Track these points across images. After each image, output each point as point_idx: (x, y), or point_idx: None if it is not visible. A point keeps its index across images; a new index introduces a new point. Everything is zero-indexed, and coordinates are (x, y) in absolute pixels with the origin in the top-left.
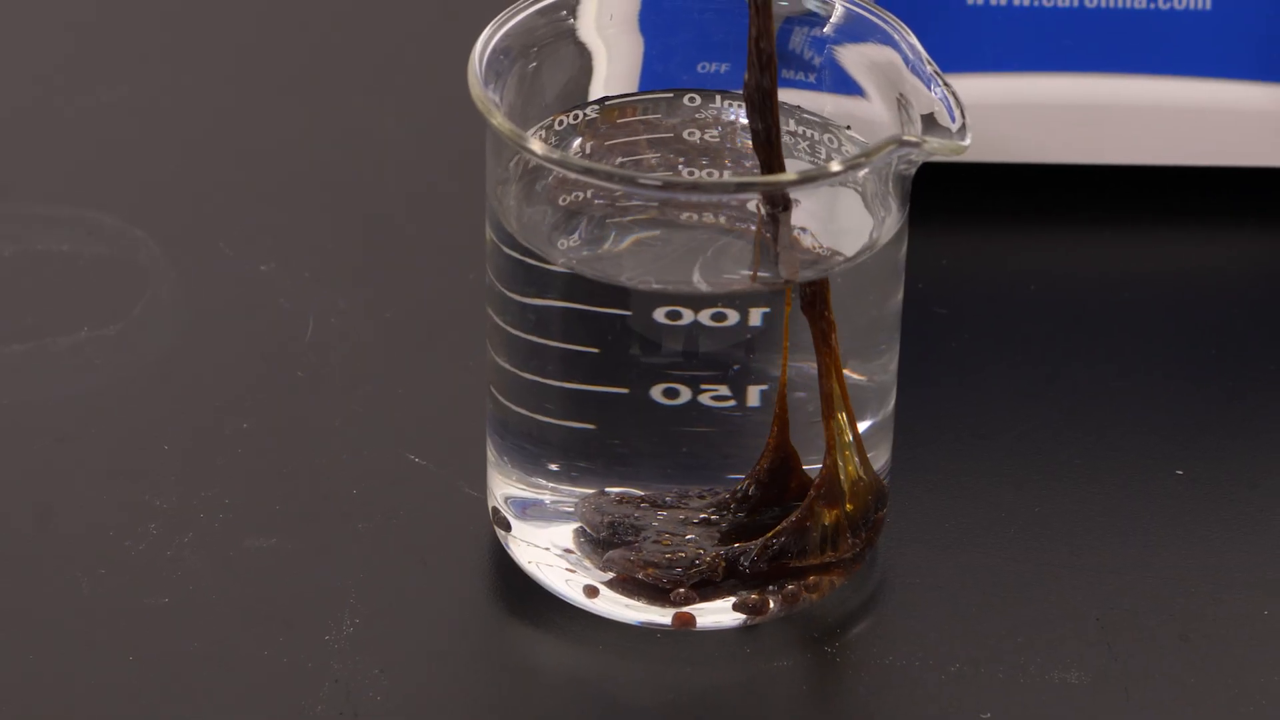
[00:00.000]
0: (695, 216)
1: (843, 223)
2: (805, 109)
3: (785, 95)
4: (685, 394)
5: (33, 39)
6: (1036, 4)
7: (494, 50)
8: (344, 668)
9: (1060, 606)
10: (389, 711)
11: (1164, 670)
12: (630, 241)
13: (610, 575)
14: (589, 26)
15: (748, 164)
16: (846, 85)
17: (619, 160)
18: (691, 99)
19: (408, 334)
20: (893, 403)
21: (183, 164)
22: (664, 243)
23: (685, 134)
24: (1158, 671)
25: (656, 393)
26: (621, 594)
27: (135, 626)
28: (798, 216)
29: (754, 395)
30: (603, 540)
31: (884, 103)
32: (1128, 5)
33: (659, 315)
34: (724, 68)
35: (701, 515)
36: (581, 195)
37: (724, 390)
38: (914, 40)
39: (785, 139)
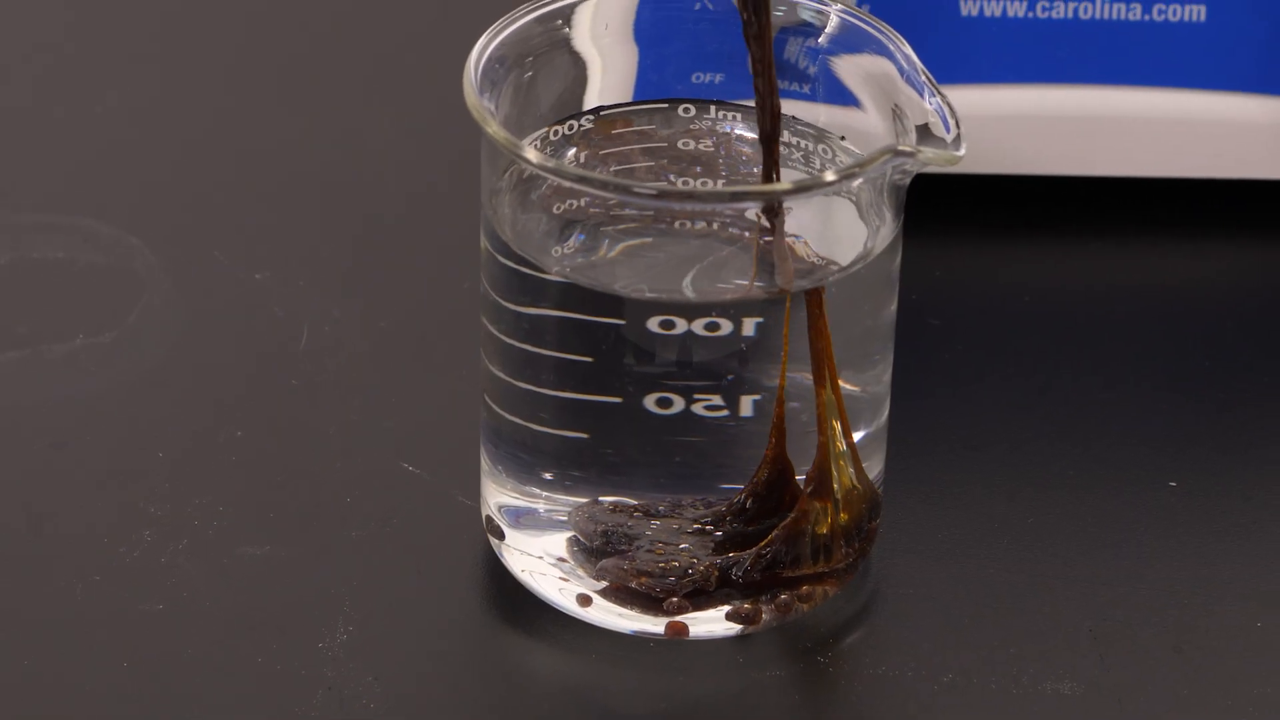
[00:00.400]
0: (689, 225)
1: (837, 232)
2: (800, 119)
3: (781, 106)
4: (678, 403)
5: (28, 45)
6: (1031, 15)
7: (489, 59)
8: (338, 675)
9: (1053, 617)
10: (382, 719)
11: (1157, 682)
12: (624, 250)
13: (603, 584)
14: (584, 36)
15: (742, 173)
16: (841, 95)
17: (613, 170)
18: (686, 109)
19: (402, 342)
20: (886, 413)
21: (178, 171)
22: (658, 252)
23: (680, 144)
24: (1150, 683)
25: (650, 402)
26: (615, 603)
27: (129, 633)
28: (792, 226)
29: (747, 405)
30: (596, 549)
31: (879, 113)
32: (1122, 17)
33: (652, 324)
34: (718, 78)
35: (695, 525)
36: (576, 204)
37: (717, 400)
38: (909, 51)
39: (780, 149)
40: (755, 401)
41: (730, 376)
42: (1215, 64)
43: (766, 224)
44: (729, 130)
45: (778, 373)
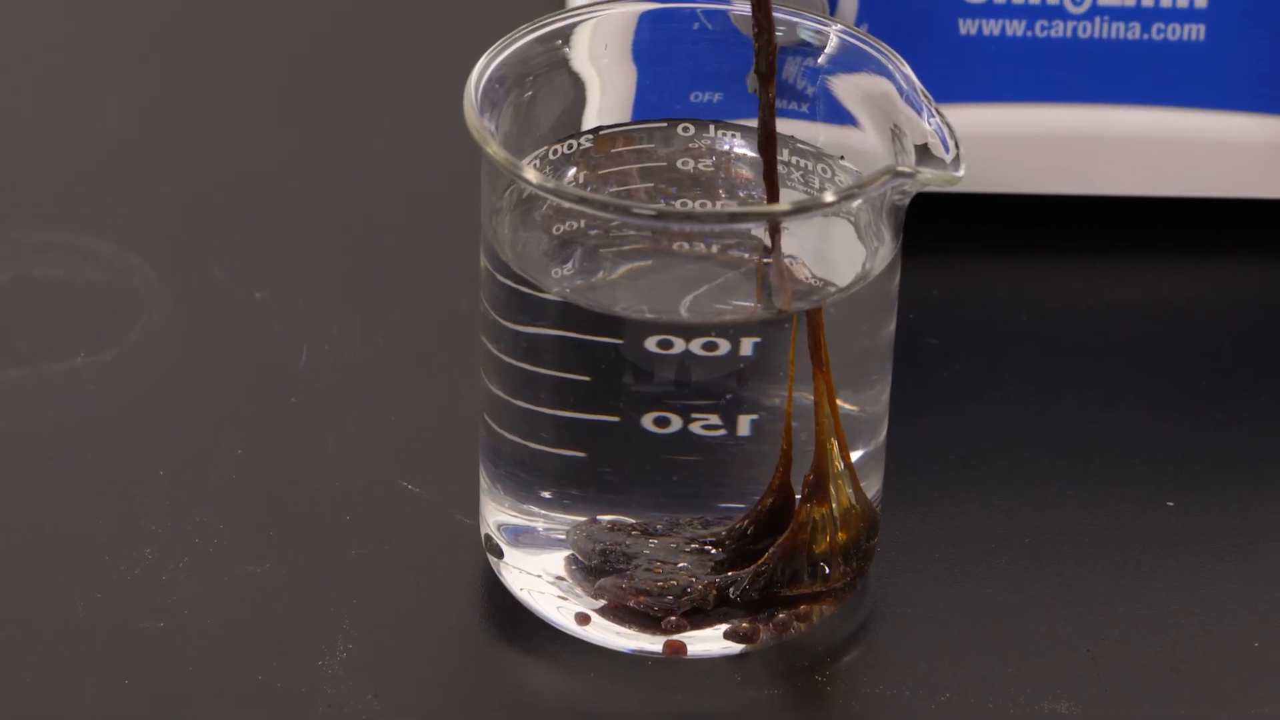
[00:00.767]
0: (688, 246)
1: (836, 253)
2: (799, 139)
3: (779, 125)
4: (676, 422)
5: (27, 62)
6: (1030, 34)
7: (490, 79)
8: (337, 693)
9: (1051, 637)
10: None
11: (1154, 701)
12: (623, 271)
13: (602, 603)
14: (583, 56)
15: (741, 194)
16: (840, 115)
17: (613, 190)
18: (685, 128)
19: (401, 360)
20: (884, 433)
21: (178, 189)
22: (657, 272)
23: (679, 163)
24: (1148, 702)
25: (647, 421)
26: (613, 621)
27: (130, 650)
28: (791, 246)
29: (745, 425)
30: (594, 568)
31: (878, 133)
32: (1121, 36)
33: (650, 344)
34: (717, 97)
35: (693, 544)
36: (575, 224)
37: (715, 419)
38: (908, 71)
39: (779, 169)
40: (753, 421)
41: (728, 396)
42: (1214, 83)
43: (766, 244)
44: (728, 149)
45: (776, 392)
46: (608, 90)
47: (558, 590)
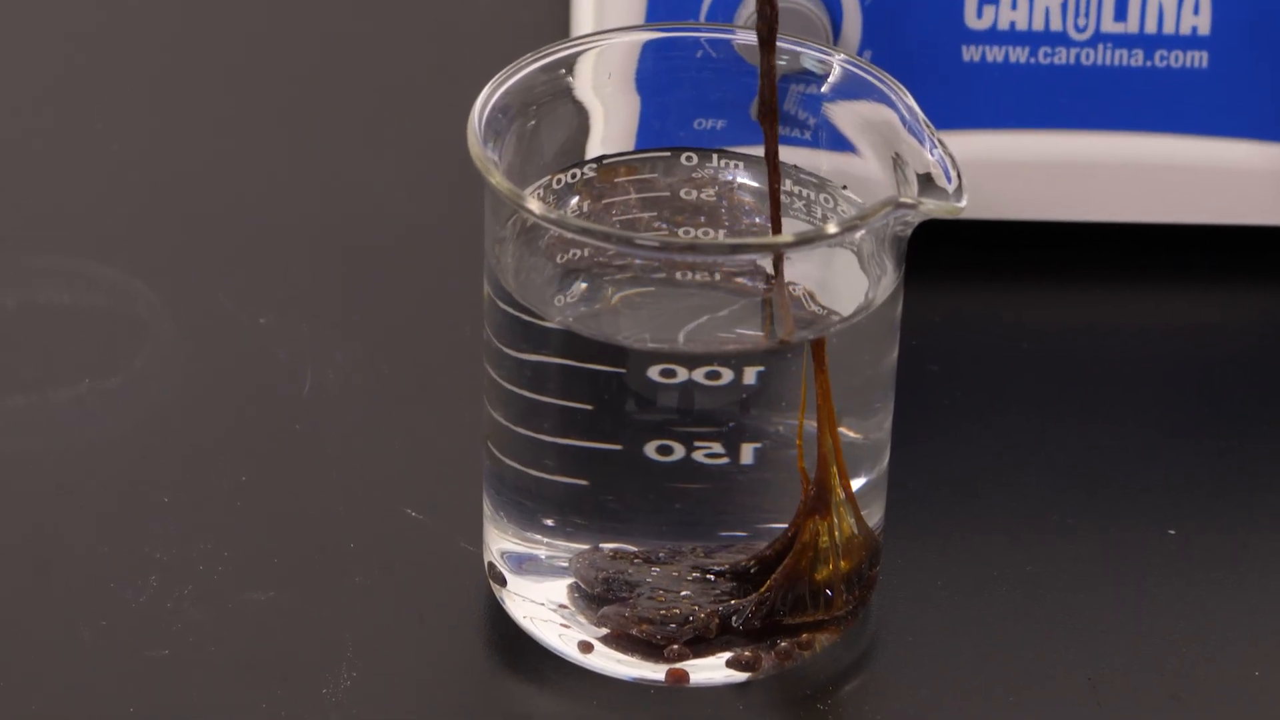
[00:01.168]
0: (691, 276)
1: (839, 283)
2: (802, 168)
3: (782, 154)
4: (679, 451)
5: (31, 91)
6: (1033, 61)
7: (493, 109)
8: None
9: (1052, 665)
10: None
11: None
12: (626, 300)
13: (604, 631)
14: (586, 85)
15: (745, 222)
16: (843, 144)
17: (616, 219)
18: (689, 158)
19: (405, 388)
20: (887, 460)
21: (181, 215)
22: (660, 301)
23: (682, 193)
24: None
25: (650, 449)
26: (615, 650)
27: (135, 678)
28: (794, 276)
29: (748, 453)
30: (597, 596)
31: (879, 162)
32: (1124, 63)
33: (653, 373)
34: (720, 124)
35: (695, 572)
36: (579, 254)
37: (718, 447)
38: (911, 102)
39: (782, 198)
40: (756, 449)
41: (731, 424)
42: (1217, 110)
43: (769, 274)
44: (731, 178)
45: (779, 420)
46: (611, 119)
47: (560, 618)
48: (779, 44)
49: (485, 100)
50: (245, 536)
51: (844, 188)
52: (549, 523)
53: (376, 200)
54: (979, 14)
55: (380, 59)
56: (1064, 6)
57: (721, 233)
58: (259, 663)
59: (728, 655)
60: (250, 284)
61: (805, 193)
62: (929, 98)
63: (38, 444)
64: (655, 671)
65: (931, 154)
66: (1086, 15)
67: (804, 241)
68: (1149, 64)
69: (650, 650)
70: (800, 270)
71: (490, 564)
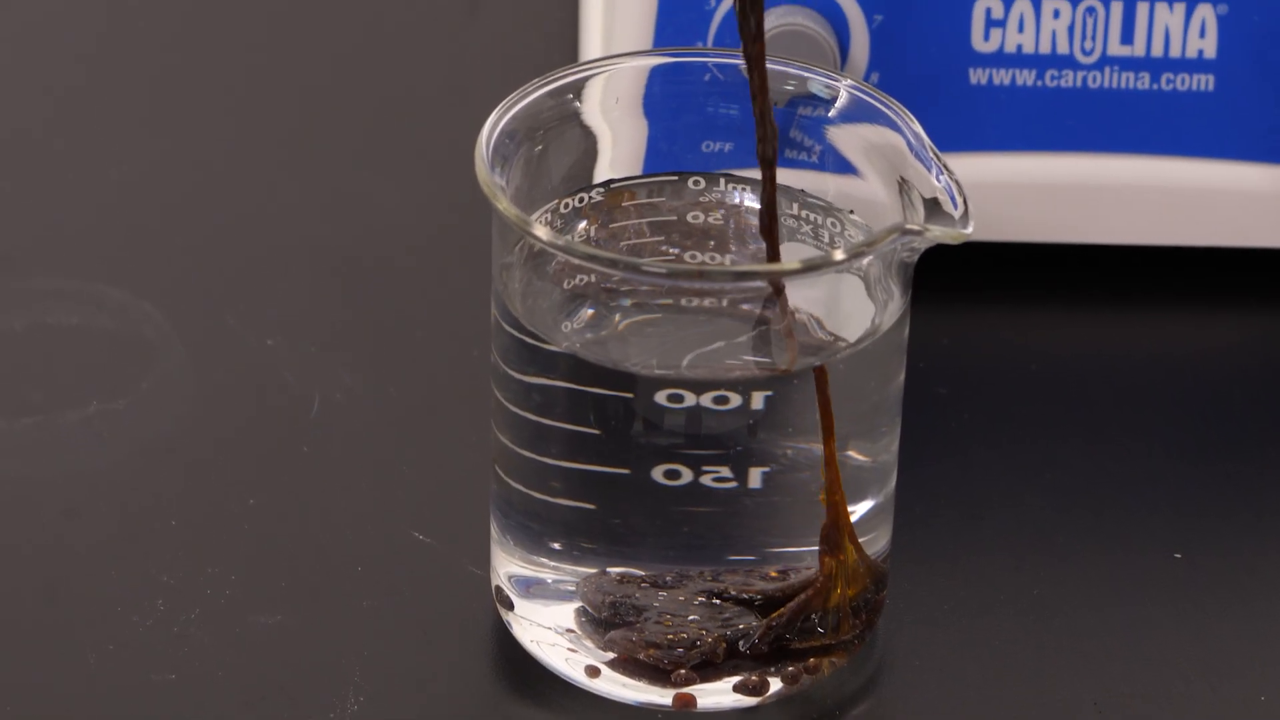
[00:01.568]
0: (699, 301)
1: (846, 309)
2: (809, 193)
3: (789, 177)
4: (686, 475)
5: (39, 112)
6: (1040, 84)
7: (501, 134)
8: None
9: (1058, 690)
10: None
11: None
12: (633, 325)
13: (611, 655)
14: (594, 110)
15: (752, 246)
16: (849, 168)
17: (624, 243)
18: (696, 182)
19: (413, 410)
20: (894, 483)
21: (190, 238)
22: (667, 326)
23: (690, 217)
24: None
25: (658, 473)
26: (622, 674)
27: (142, 702)
28: (801, 303)
29: (756, 477)
30: (604, 620)
31: (886, 186)
32: (1131, 86)
33: (660, 398)
34: (728, 147)
35: (702, 597)
36: (585, 279)
37: (726, 472)
38: (918, 128)
39: (789, 223)
40: (764, 474)
41: (739, 448)
42: (1224, 133)
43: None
44: (738, 202)
45: (787, 444)
46: (619, 143)
47: (567, 642)
48: (786, 69)
49: (493, 125)
50: (252, 560)
51: (851, 212)
52: (556, 546)
53: (385, 223)
54: (986, 37)
55: (389, 83)
56: (1071, 30)
57: (729, 257)
58: (266, 687)
59: (735, 680)
60: (258, 306)
61: (813, 217)
62: (936, 120)
63: (45, 466)
64: (663, 696)
65: (938, 180)
66: (1093, 38)
67: (811, 269)
68: (1155, 87)
69: (657, 675)
70: (807, 296)
71: (497, 588)
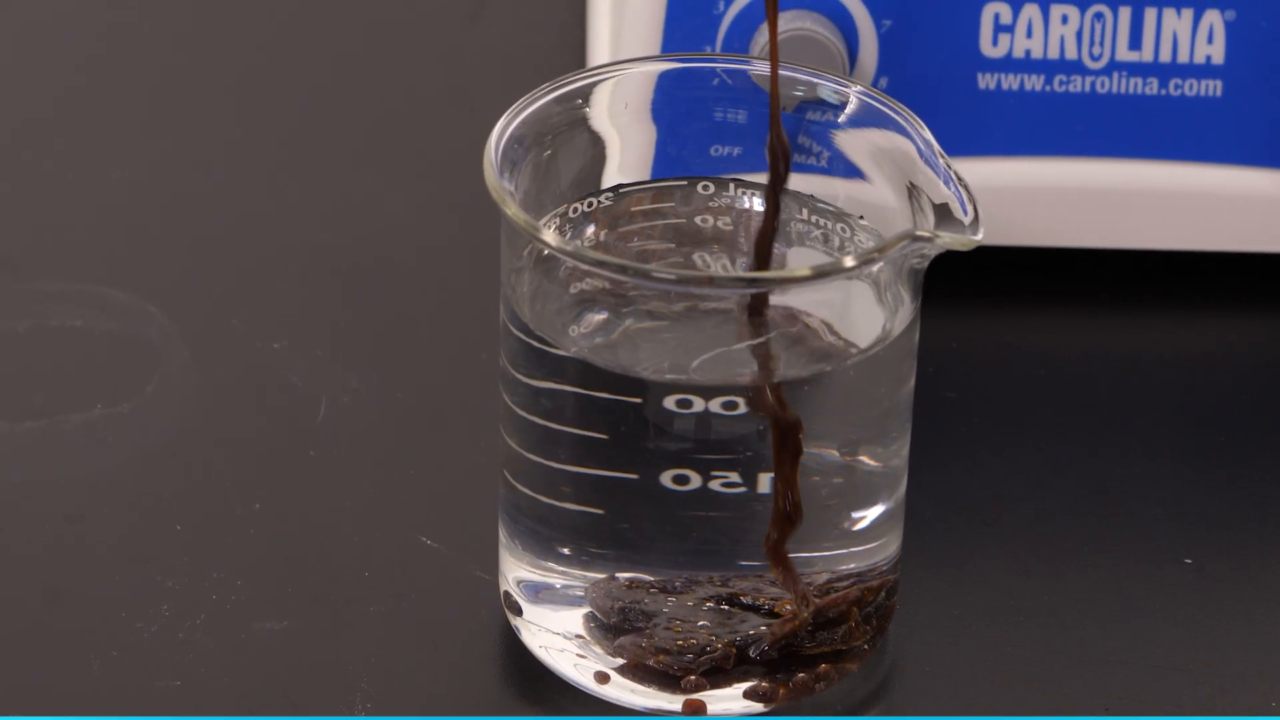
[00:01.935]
0: (708, 306)
1: (856, 315)
2: (819, 198)
3: (798, 182)
4: (695, 480)
5: (44, 115)
6: (1049, 89)
7: (509, 139)
8: None
9: (1068, 694)
10: None
11: None
12: (641, 330)
13: (620, 661)
14: (602, 115)
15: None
16: (858, 173)
17: (633, 248)
18: (705, 186)
19: (420, 414)
20: (904, 488)
21: (195, 240)
22: (675, 331)
23: (699, 221)
24: None
25: (666, 479)
26: (632, 680)
27: (146, 709)
28: (811, 308)
29: (765, 483)
30: (613, 626)
31: (895, 192)
32: (1140, 91)
33: (669, 403)
34: (736, 151)
35: (710, 603)
36: (594, 284)
37: (735, 476)
38: (928, 134)
39: (799, 227)
40: (774, 479)
41: (748, 454)
42: (1232, 138)
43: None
44: (747, 207)
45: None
46: (627, 148)
47: (576, 648)
48: (795, 74)
49: (501, 131)
50: (258, 565)
51: (861, 218)
52: (565, 551)
53: (391, 226)
54: (994, 42)
55: (395, 86)
56: (1079, 35)
57: (739, 261)
58: (271, 693)
59: (745, 686)
60: (264, 309)
61: (822, 222)
62: (945, 125)
63: (48, 470)
64: (672, 702)
65: (947, 186)
66: (1101, 44)
67: (821, 275)
68: (1164, 92)
69: (667, 681)
70: (817, 302)
71: (506, 593)
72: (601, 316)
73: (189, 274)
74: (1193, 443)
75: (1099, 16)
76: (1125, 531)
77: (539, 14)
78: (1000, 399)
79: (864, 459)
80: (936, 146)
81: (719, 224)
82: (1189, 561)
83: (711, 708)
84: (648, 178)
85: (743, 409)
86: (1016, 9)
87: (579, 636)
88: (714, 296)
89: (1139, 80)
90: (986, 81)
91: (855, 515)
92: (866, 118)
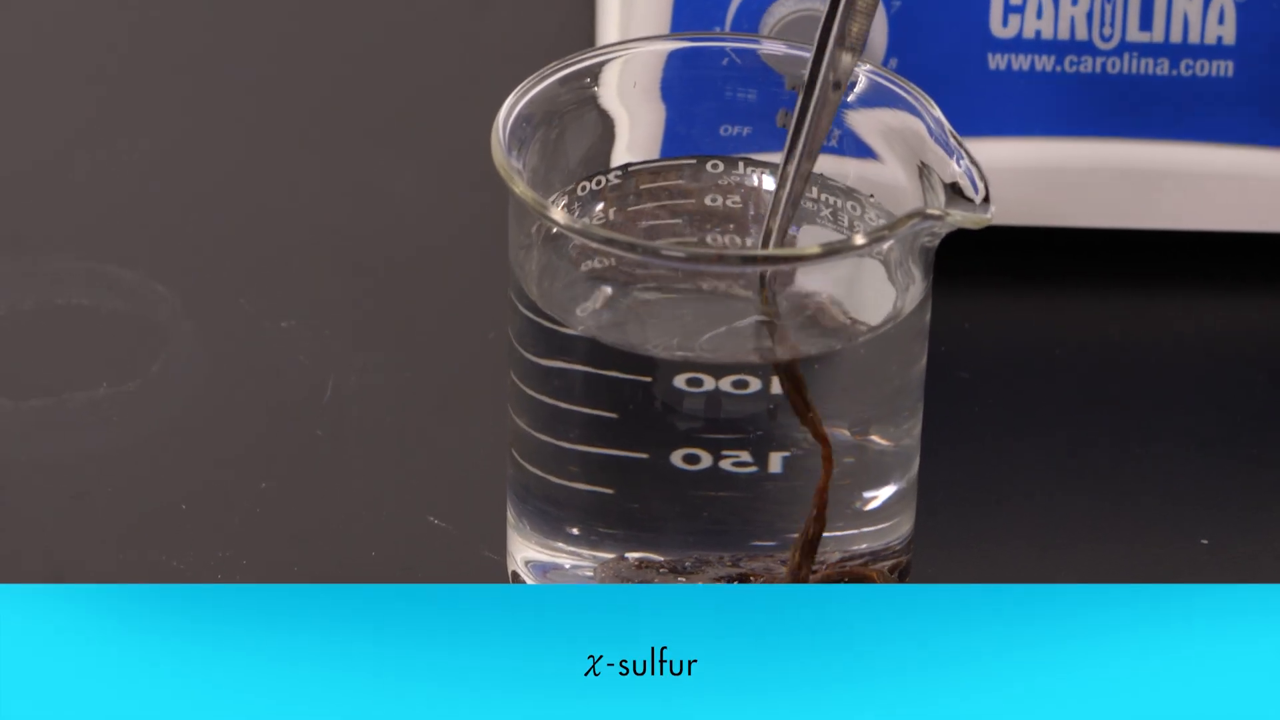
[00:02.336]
0: (716, 285)
1: (867, 293)
2: (829, 176)
3: None
4: (706, 459)
5: (53, 93)
6: (1059, 69)
7: (518, 117)
8: None
9: None
10: None
11: None
12: (650, 308)
13: None
14: (612, 94)
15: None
16: (868, 152)
17: (642, 225)
18: (714, 165)
19: (428, 393)
20: (916, 468)
21: (203, 219)
22: (684, 309)
23: (708, 199)
24: None
25: (677, 458)
26: None
27: None
28: (822, 286)
29: (776, 461)
30: None
31: (906, 171)
32: (1150, 71)
33: (679, 382)
34: (746, 131)
35: (721, 583)
36: (603, 262)
37: (746, 456)
38: (938, 112)
39: (808, 205)
40: (785, 458)
41: (759, 433)
42: (1243, 118)
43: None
44: (756, 185)
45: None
46: (636, 128)
47: None
48: (806, 54)
49: (510, 109)
50: (265, 544)
51: (871, 196)
52: (574, 532)
53: (400, 206)
54: (1005, 22)
55: (405, 67)
56: (1089, 15)
57: (749, 239)
58: None
59: None
60: (271, 288)
61: (832, 200)
62: (955, 105)
63: (54, 449)
64: None
65: (958, 164)
66: (1112, 24)
67: (831, 253)
68: (1175, 73)
69: None
70: (829, 281)
71: (514, 573)
72: (609, 295)
73: (198, 253)
74: (1208, 423)
75: None
76: (1140, 512)
77: None
78: (1013, 379)
79: (875, 438)
80: (947, 125)
81: (728, 202)
82: (1205, 543)
83: None
84: (657, 156)
85: (753, 388)
86: None
87: None
88: (723, 274)
89: (1150, 61)
90: (997, 62)
91: (867, 495)
92: (877, 97)
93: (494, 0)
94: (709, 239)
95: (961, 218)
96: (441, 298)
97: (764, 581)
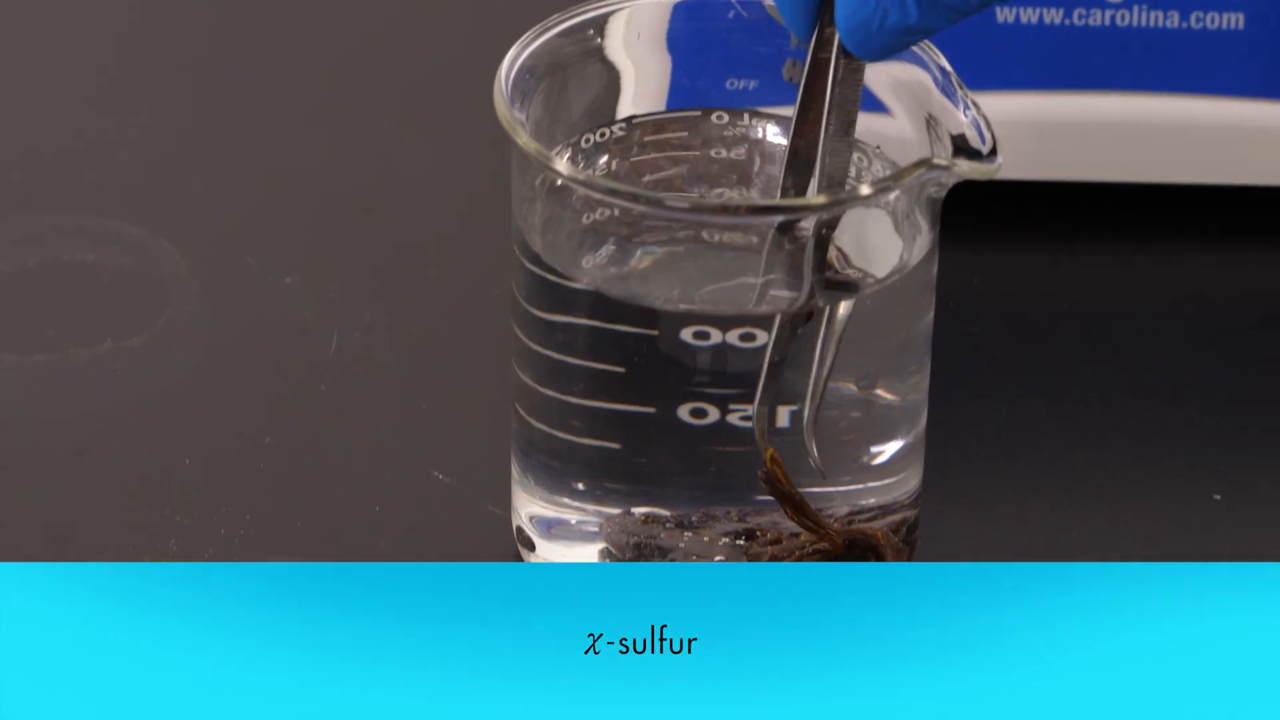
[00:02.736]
0: (721, 236)
1: (873, 244)
2: None
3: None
4: (713, 414)
5: (62, 54)
6: (1068, 22)
7: (520, 69)
8: None
9: None
10: None
11: None
12: (656, 261)
13: None
14: (617, 45)
15: (775, 182)
16: (876, 105)
17: (646, 178)
18: (719, 117)
19: (432, 349)
20: (924, 422)
21: (209, 176)
22: (690, 262)
23: (713, 152)
24: None
25: (684, 412)
26: None
27: None
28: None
29: (784, 416)
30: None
31: (912, 122)
32: (1160, 24)
33: (686, 335)
34: (752, 84)
35: (726, 538)
36: (607, 214)
37: (753, 410)
38: (944, 62)
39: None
40: (792, 412)
41: None
42: (1254, 71)
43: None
44: (761, 137)
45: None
46: (642, 79)
47: None
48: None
49: (512, 61)
50: (268, 500)
51: (877, 148)
52: (579, 487)
53: (404, 161)
54: None
55: (406, 22)
56: None
57: (754, 192)
58: None
59: None
60: (276, 244)
61: None
62: (964, 59)
63: (58, 404)
64: None
65: (965, 115)
66: None
67: (836, 204)
68: (1185, 25)
69: None
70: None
71: (519, 528)
72: (614, 247)
73: (202, 209)
74: (1218, 377)
75: None
76: (1151, 467)
77: None
78: (1021, 334)
79: (881, 393)
80: (954, 76)
81: (733, 155)
82: (1217, 498)
83: None
84: (663, 108)
85: (760, 341)
86: None
87: None
88: (728, 225)
89: (1159, 13)
90: (1005, 15)
91: (874, 450)
92: None
93: None
94: (714, 191)
95: (969, 168)
96: (446, 254)
97: (770, 535)
